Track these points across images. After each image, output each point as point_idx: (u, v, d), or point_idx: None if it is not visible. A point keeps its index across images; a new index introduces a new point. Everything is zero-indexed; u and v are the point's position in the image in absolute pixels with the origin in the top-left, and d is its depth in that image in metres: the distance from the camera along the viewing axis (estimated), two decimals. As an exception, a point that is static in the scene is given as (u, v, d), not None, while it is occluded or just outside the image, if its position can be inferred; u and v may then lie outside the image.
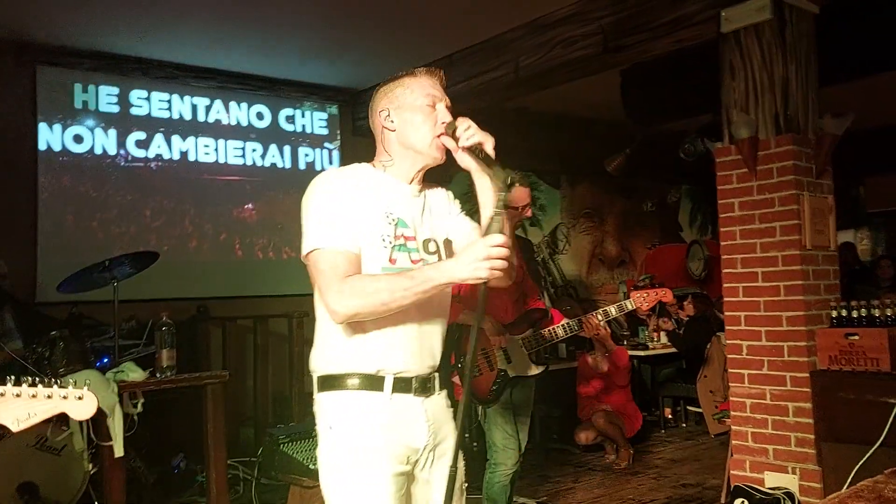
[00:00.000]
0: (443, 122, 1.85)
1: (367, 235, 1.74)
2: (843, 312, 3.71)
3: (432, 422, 1.78)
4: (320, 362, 1.81)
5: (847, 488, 3.40)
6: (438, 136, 1.84)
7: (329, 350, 1.79)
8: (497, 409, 3.32)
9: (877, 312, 3.61)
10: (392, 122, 1.85)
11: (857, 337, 3.58)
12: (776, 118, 3.89)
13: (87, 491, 3.47)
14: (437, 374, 1.82)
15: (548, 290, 8.15)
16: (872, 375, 3.49)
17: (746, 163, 3.93)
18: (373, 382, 1.73)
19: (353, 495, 1.70)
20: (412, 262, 1.78)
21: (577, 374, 5.85)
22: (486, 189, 1.85)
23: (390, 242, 1.76)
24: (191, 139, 5.96)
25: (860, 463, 3.38)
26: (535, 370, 3.38)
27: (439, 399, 1.83)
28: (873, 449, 3.34)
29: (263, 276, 6.13)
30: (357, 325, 1.73)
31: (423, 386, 1.76)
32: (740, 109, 4.00)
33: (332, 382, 1.76)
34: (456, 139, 1.83)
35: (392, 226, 1.78)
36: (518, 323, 3.41)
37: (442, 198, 1.96)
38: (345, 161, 6.65)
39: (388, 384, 1.73)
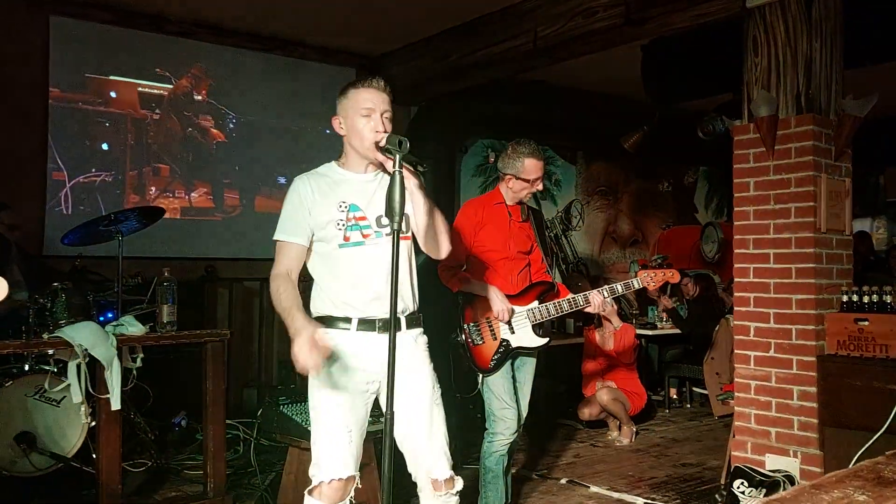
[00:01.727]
0: (377, 131, 2.23)
1: (324, 225, 2.27)
2: (854, 297, 3.65)
3: (377, 355, 2.18)
4: (312, 307, 2.32)
5: (848, 474, 3.36)
6: (375, 143, 2.22)
7: (316, 298, 2.33)
8: (497, 378, 3.29)
9: (888, 299, 3.54)
10: (342, 127, 2.33)
11: (866, 322, 3.52)
12: (798, 97, 3.79)
13: (86, 444, 3.50)
14: (402, 317, 2.28)
15: (559, 267, 8.09)
16: (880, 362, 3.44)
17: (764, 141, 3.84)
18: (342, 322, 2.26)
19: (317, 409, 2.26)
20: (363, 236, 2.26)
21: (583, 350, 5.81)
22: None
23: (343, 225, 2.27)
24: (206, 97, 5.91)
25: (863, 449, 3.34)
26: (538, 342, 3.34)
27: (405, 337, 2.28)
28: (877, 436, 3.30)
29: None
30: (331, 280, 2.28)
31: (386, 326, 2.07)
32: (762, 87, 3.90)
33: (319, 321, 2.22)
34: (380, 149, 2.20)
35: (344, 212, 2.27)
36: (524, 294, 3.36)
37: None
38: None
39: (354, 324, 2.25)
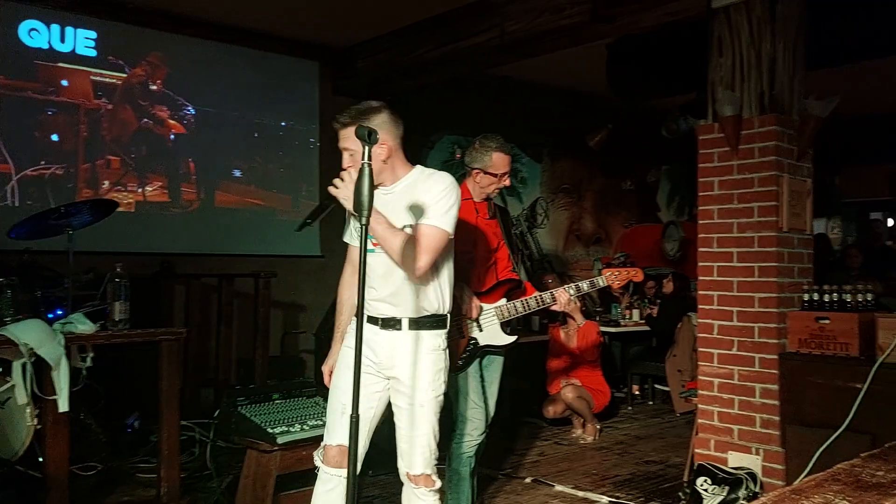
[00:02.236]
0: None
1: (352, 232, 2.62)
2: (815, 296, 3.69)
3: (387, 349, 2.47)
4: None
5: (809, 470, 3.39)
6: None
7: None
8: (465, 378, 3.24)
9: (848, 298, 3.59)
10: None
11: (827, 321, 3.56)
12: (761, 97, 3.82)
13: (32, 447, 3.35)
14: (404, 319, 2.45)
15: (525, 264, 8.10)
16: (841, 360, 3.48)
17: (728, 141, 3.86)
18: (367, 317, 2.48)
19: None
20: (373, 244, 2.38)
21: (547, 348, 5.80)
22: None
23: (357, 232, 2.28)
24: (163, 87, 5.75)
25: (823, 446, 3.38)
26: (506, 340, 3.30)
27: (400, 336, 2.46)
28: (838, 433, 3.34)
29: (231, 235, 5.98)
30: (354, 280, 2.58)
31: (386, 324, 2.47)
32: (726, 87, 3.92)
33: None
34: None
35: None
36: (491, 292, 3.32)
37: (413, 194, 2.41)
38: (324, 120, 6.50)
39: (365, 318, 2.35)
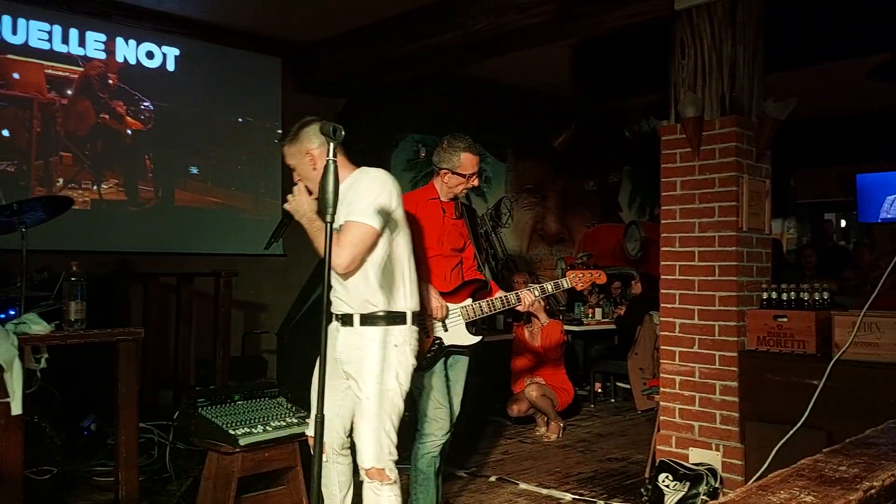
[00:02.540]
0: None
1: None
2: (773, 295, 3.77)
3: (342, 344, 2.61)
4: None
5: (767, 465, 3.46)
6: None
7: None
8: (430, 378, 3.23)
9: (805, 296, 3.67)
10: None
11: (785, 319, 3.64)
12: (722, 99, 3.89)
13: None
14: (356, 315, 2.58)
15: (489, 264, 8.12)
16: (798, 357, 3.56)
17: (690, 142, 3.92)
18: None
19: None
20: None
21: (512, 347, 5.83)
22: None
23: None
24: (121, 80, 5.61)
25: (781, 442, 3.45)
26: (471, 340, 3.30)
27: (353, 331, 2.59)
28: (795, 429, 3.41)
29: (191, 233, 5.87)
30: None
31: (342, 321, 2.62)
32: (688, 88, 3.98)
33: None
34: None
35: None
36: (456, 292, 3.31)
37: (348, 194, 2.50)
38: (286, 117, 6.43)
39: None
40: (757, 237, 3.96)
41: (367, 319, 2.56)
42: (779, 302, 3.74)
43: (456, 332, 3.27)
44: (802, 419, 3.41)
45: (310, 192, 2.54)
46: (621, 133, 6.20)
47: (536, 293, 3.38)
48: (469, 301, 3.30)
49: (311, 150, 2.57)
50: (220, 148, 6.14)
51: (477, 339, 3.32)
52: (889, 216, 9.54)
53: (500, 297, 3.35)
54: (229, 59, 6.14)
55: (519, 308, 3.41)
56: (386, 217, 2.48)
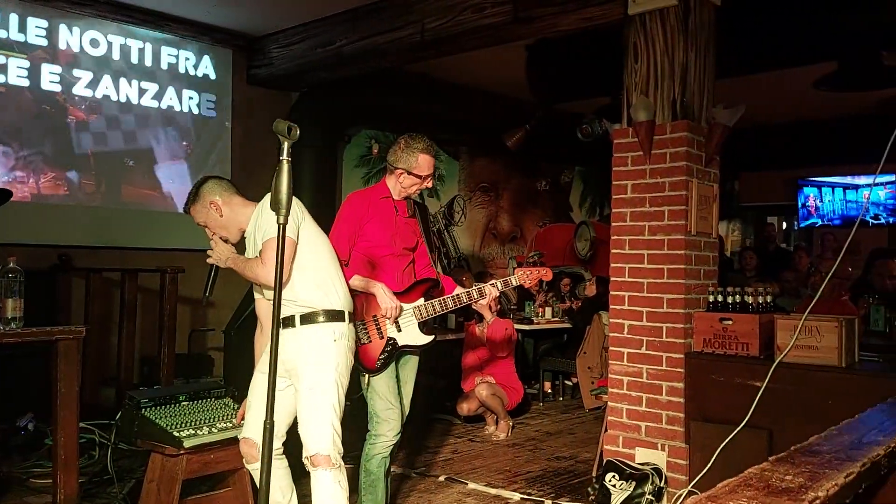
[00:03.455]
0: None
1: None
2: (720, 298, 3.84)
3: (284, 346, 2.64)
4: None
5: (710, 465, 3.53)
6: None
7: None
8: (382, 378, 3.20)
9: (749, 299, 3.75)
10: None
11: (730, 322, 3.71)
12: (673, 104, 3.94)
13: None
14: (296, 316, 2.74)
15: (442, 262, 8.11)
16: (742, 359, 3.64)
17: (642, 146, 3.96)
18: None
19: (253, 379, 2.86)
20: None
21: (463, 345, 5.82)
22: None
23: None
24: (63, 70, 5.40)
25: (725, 441, 3.52)
26: (424, 340, 3.27)
27: (294, 331, 2.74)
28: (738, 429, 3.48)
29: (136, 227, 5.70)
30: None
31: (283, 324, 2.71)
32: (641, 93, 4.02)
33: None
34: None
35: None
36: (409, 291, 3.28)
37: (256, 225, 2.79)
38: (237, 110, 6.29)
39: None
40: (705, 241, 4.03)
41: (307, 319, 2.73)
42: (724, 305, 3.82)
43: (409, 333, 3.24)
44: (745, 419, 3.49)
45: (225, 239, 2.82)
46: (573, 133, 6.24)
47: (495, 290, 3.38)
48: (421, 300, 3.27)
49: (214, 200, 2.80)
50: (170, 140, 5.97)
51: (430, 338, 3.30)
52: (825, 220, 9.88)
53: (453, 296, 3.33)
54: (178, 49, 5.98)
55: (482, 302, 3.41)
56: (295, 228, 2.69)
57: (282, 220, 1.81)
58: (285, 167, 1.80)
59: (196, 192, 2.84)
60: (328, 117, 6.52)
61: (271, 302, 2.66)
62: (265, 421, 1.90)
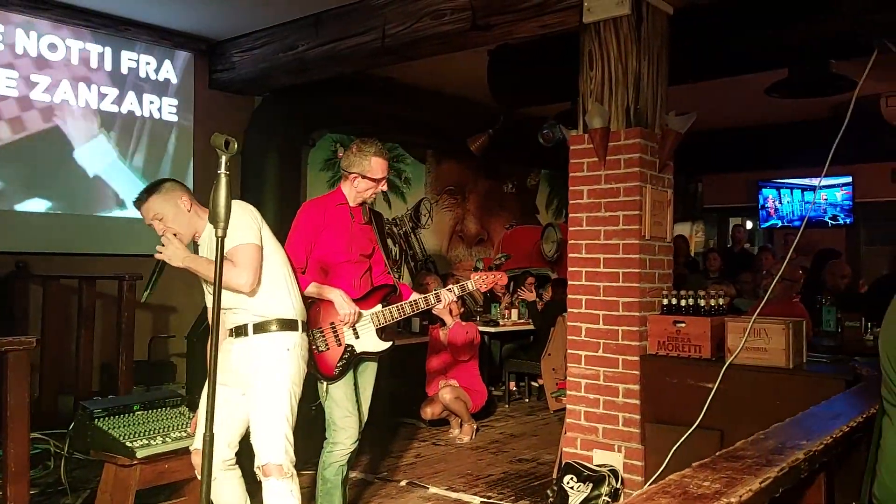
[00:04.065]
0: None
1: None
2: (673, 301, 3.90)
3: (237, 356, 2.74)
4: None
5: (665, 465, 3.59)
6: None
7: None
8: (340, 386, 3.21)
9: (702, 302, 3.82)
10: None
11: (683, 324, 3.77)
12: (627, 111, 4.00)
13: None
14: (249, 325, 2.75)
15: (408, 265, 8.12)
16: (694, 361, 3.70)
17: (597, 152, 4.01)
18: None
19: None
20: None
21: (427, 349, 5.83)
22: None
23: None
24: (17, 74, 5.31)
25: (678, 443, 3.58)
26: (382, 346, 3.29)
27: (248, 340, 2.75)
28: (691, 430, 3.55)
29: (94, 234, 5.62)
30: None
31: (235, 333, 2.77)
32: (596, 99, 4.07)
33: None
34: None
35: None
36: (366, 297, 3.29)
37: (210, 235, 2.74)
38: (199, 114, 6.23)
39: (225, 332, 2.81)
40: (659, 245, 4.10)
41: (260, 328, 2.73)
42: (678, 308, 3.88)
43: (367, 339, 3.25)
44: (698, 421, 3.55)
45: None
46: (537, 137, 6.29)
47: (452, 295, 3.40)
48: (379, 307, 3.29)
49: (184, 195, 2.80)
50: (129, 145, 5.90)
51: (388, 344, 3.31)
52: (785, 221, 10.07)
53: (412, 301, 3.35)
54: (138, 53, 5.91)
55: (439, 307, 3.44)
56: (259, 234, 2.73)
57: (220, 234, 1.81)
58: (223, 181, 1.80)
59: (160, 184, 2.80)
60: (292, 121, 6.49)
61: (226, 309, 2.69)
62: (205, 433, 1.89)
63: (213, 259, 2.02)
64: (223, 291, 2.49)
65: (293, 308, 2.81)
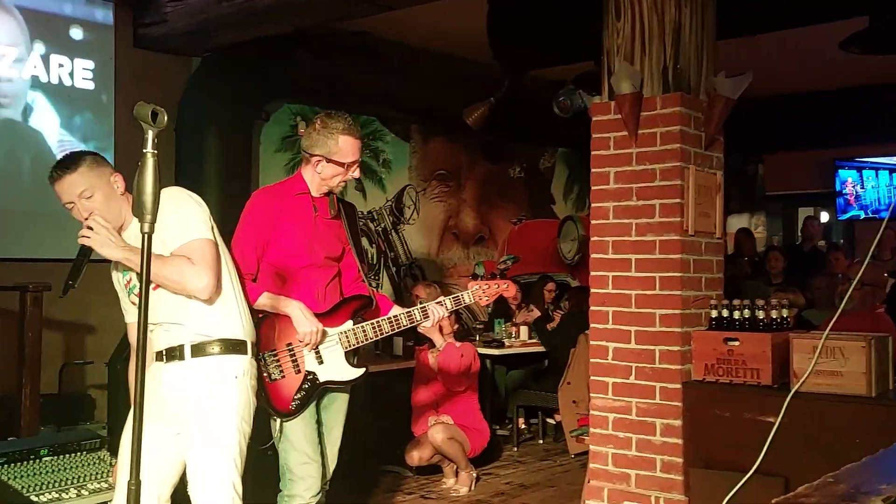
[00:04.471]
0: None
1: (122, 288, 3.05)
2: (725, 312, 3.93)
3: (170, 384, 2.74)
4: None
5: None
6: None
7: None
8: (298, 424, 3.22)
9: (761, 314, 3.85)
10: None
11: (737, 343, 3.81)
12: (664, 72, 4.03)
13: None
14: (184, 346, 2.73)
15: (389, 270, 8.14)
16: (752, 389, 3.74)
17: (626, 124, 4.05)
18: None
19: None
20: None
21: (413, 377, 5.86)
22: None
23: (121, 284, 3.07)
24: None
25: (731, 493, 3.61)
26: (352, 374, 3.31)
27: (184, 366, 2.74)
28: (747, 477, 3.58)
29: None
30: None
31: (167, 357, 2.75)
32: (624, 58, 4.11)
33: None
34: None
35: None
36: (333, 312, 3.31)
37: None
38: (121, 79, 6.24)
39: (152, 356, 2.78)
40: (706, 242, 4.14)
41: (200, 350, 2.72)
42: (730, 322, 3.91)
43: (333, 365, 3.27)
44: (756, 464, 3.59)
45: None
46: (551, 107, 6.32)
47: (443, 310, 3.41)
48: (349, 324, 3.31)
49: (116, 174, 2.81)
50: (32, 119, 5.90)
51: (359, 371, 3.34)
52: (868, 211, 10.09)
53: (391, 318, 3.37)
54: (44, 5, 5.92)
55: (426, 324, 3.45)
56: (212, 230, 2.74)
57: (147, 230, 1.83)
58: (150, 162, 1.81)
59: (82, 156, 2.77)
60: (240, 88, 6.50)
61: (155, 325, 2.71)
62: (129, 481, 1.91)
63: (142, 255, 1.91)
64: (152, 302, 2.51)
65: (241, 326, 2.83)
